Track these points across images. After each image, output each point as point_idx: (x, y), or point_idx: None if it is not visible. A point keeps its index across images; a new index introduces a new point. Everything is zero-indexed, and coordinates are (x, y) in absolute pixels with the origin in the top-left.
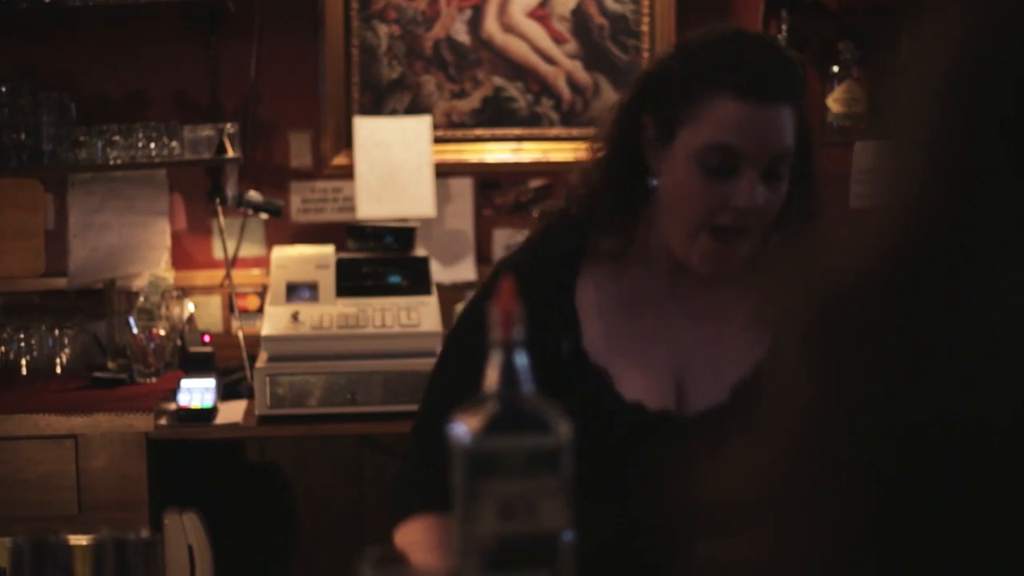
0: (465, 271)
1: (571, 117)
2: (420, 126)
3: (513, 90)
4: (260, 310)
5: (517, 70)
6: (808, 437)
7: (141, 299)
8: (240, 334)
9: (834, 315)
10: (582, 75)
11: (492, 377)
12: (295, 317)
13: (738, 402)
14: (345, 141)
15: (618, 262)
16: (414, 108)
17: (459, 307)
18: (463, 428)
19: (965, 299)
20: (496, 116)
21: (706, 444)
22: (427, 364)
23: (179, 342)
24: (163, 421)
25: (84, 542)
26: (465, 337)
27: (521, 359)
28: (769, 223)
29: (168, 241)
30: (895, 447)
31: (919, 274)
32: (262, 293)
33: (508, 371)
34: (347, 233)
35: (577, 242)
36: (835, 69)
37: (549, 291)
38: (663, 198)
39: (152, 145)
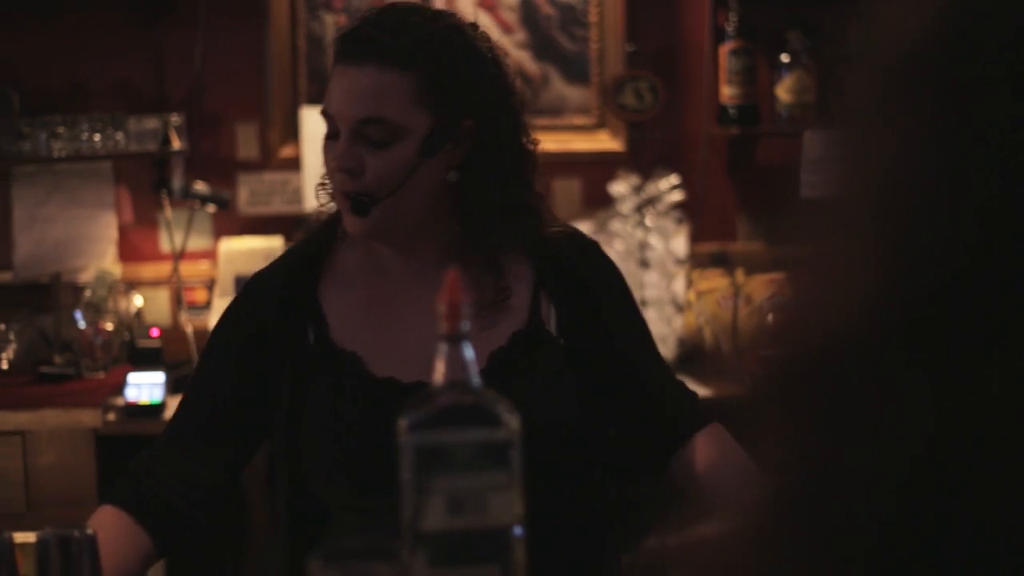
0: None
1: None
2: None
3: None
4: (208, 303)
5: None
6: (790, 495)
7: (88, 293)
8: (189, 328)
9: (817, 369)
10: (531, 65)
11: (440, 370)
12: None
13: (495, 368)
14: (292, 132)
15: (349, 268)
16: None
17: None
18: (411, 421)
19: (958, 353)
20: None
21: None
22: None
23: (127, 336)
24: (111, 416)
25: (24, 539)
26: (206, 357)
27: (468, 352)
28: (369, 203)
29: (114, 234)
30: (883, 505)
31: (905, 327)
32: (211, 286)
33: (456, 364)
34: (296, 225)
35: (318, 248)
36: (784, 59)
37: (292, 291)
38: None
39: (97, 137)
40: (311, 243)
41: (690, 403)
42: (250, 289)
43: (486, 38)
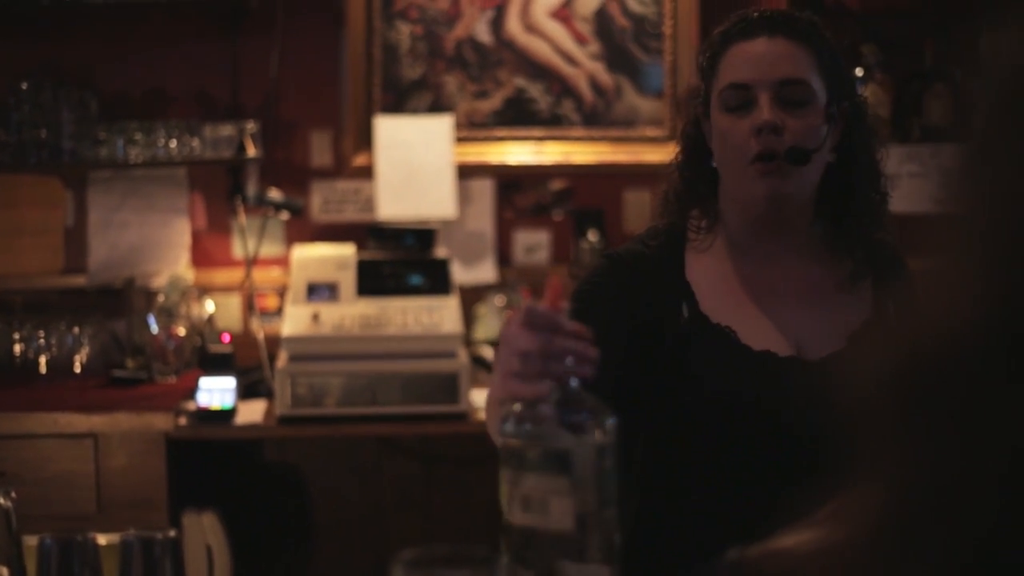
0: (485, 272)
1: (593, 118)
2: (441, 126)
3: (535, 91)
4: (279, 310)
5: (539, 71)
6: (907, 491)
7: (161, 298)
8: (260, 334)
9: (933, 368)
10: (604, 77)
11: None
12: (316, 317)
13: (855, 348)
14: (366, 141)
15: (713, 253)
16: (435, 108)
17: (480, 308)
18: (503, 420)
19: None
20: (517, 117)
21: (834, 385)
22: (448, 365)
23: (198, 341)
24: (183, 421)
25: (104, 541)
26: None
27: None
28: (808, 152)
29: (188, 240)
30: (996, 502)
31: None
32: (282, 293)
33: None
34: (368, 233)
35: (676, 238)
36: (858, 72)
37: (660, 269)
38: (716, 161)
39: (173, 143)
40: (666, 235)
41: None
42: (615, 269)
43: None
